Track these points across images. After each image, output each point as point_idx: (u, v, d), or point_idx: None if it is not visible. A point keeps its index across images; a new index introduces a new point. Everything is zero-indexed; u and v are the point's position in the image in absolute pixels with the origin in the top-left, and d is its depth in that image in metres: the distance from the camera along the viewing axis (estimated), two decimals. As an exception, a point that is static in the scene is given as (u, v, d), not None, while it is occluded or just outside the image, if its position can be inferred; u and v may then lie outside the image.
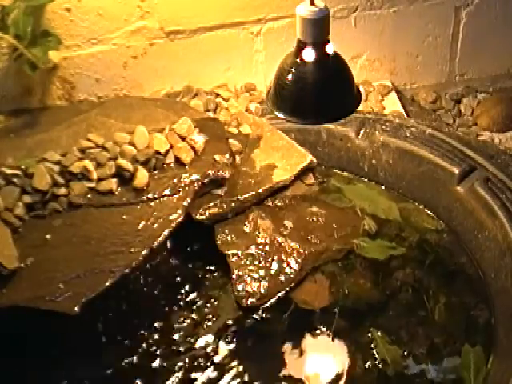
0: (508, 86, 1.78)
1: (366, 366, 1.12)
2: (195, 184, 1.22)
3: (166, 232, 1.15)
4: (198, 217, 1.22)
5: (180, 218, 1.17)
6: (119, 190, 1.21)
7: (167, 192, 1.21)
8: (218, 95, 1.57)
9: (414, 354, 1.13)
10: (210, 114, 1.46)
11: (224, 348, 1.16)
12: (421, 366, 1.12)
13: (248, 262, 1.22)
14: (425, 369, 1.12)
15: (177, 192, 1.21)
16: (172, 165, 1.25)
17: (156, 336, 1.18)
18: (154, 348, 1.16)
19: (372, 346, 1.14)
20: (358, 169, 1.45)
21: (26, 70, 1.36)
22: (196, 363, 1.14)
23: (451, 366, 1.12)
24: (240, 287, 1.20)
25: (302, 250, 1.25)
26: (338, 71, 1.12)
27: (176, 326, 1.19)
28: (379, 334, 1.16)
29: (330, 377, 1.11)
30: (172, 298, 1.23)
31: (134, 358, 1.15)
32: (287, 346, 1.16)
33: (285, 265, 1.23)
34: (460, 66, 1.74)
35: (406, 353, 1.13)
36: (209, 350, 1.16)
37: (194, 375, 1.13)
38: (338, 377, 1.11)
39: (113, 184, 1.21)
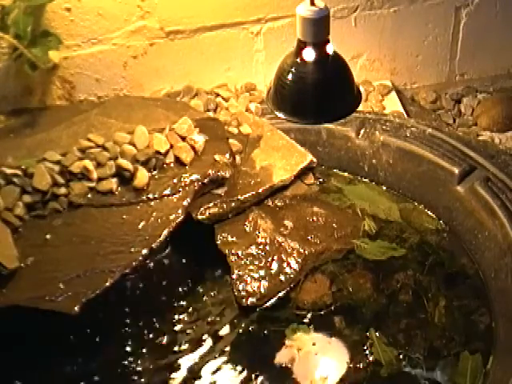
0: (508, 86, 1.78)
1: (360, 365, 1.12)
2: (195, 184, 1.22)
3: (165, 232, 1.15)
4: (198, 217, 1.22)
5: (180, 218, 1.17)
6: (119, 189, 1.21)
7: (167, 192, 1.21)
8: (218, 95, 1.57)
9: (410, 356, 1.13)
10: (210, 114, 1.46)
11: (224, 348, 1.16)
12: (415, 369, 1.11)
13: (248, 262, 1.22)
14: (419, 372, 1.11)
15: (177, 192, 1.21)
16: (172, 165, 1.25)
17: (155, 336, 1.18)
18: (154, 348, 1.16)
19: (368, 346, 1.14)
20: (358, 169, 1.45)
21: (26, 69, 1.36)
22: (196, 363, 1.14)
23: (446, 372, 1.11)
24: (240, 287, 1.20)
25: (302, 250, 1.25)
26: (337, 71, 1.12)
27: (175, 325, 1.19)
28: (377, 334, 1.16)
29: (330, 376, 1.11)
30: (172, 298, 1.23)
31: (134, 357, 1.15)
32: (287, 346, 1.16)
33: (285, 265, 1.23)
34: (460, 66, 1.74)
35: (401, 355, 1.13)
36: (208, 349, 1.16)
37: (193, 375, 1.13)
38: (337, 376, 1.11)
39: (113, 184, 1.21)
